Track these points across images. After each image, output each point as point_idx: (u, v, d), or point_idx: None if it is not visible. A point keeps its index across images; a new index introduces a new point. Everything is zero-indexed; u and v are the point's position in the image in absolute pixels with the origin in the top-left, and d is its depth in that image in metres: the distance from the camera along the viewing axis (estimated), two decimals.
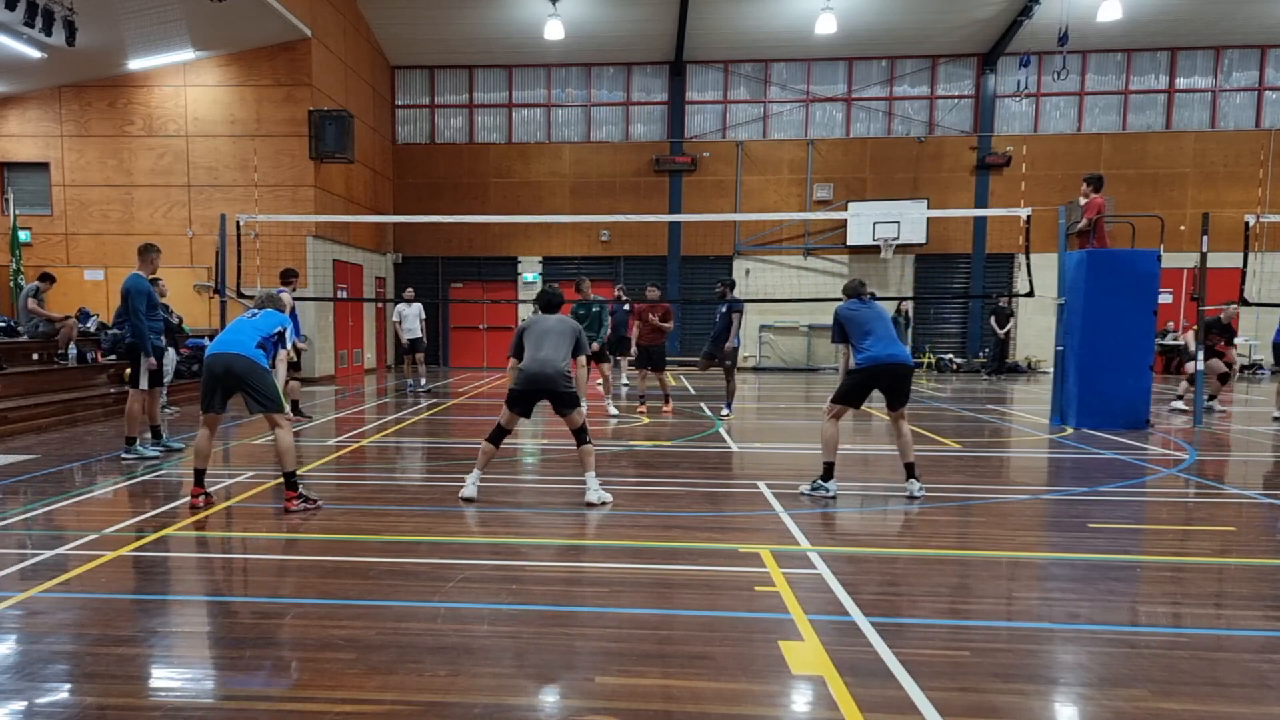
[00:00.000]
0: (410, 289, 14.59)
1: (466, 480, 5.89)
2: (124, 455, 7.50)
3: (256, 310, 5.88)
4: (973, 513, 5.67)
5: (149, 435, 7.89)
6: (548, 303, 6.13)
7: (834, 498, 5.91)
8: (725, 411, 10.86)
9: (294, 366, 10.00)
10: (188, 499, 5.64)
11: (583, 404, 5.96)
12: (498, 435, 5.93)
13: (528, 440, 8.90)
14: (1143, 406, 9.60)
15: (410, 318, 13.95)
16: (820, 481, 5.99)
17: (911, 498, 5.90)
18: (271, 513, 5.55)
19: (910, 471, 6.00)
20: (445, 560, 4.44)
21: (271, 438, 5.66)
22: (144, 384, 7.62)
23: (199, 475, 5.61)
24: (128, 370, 7.85)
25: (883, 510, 5.79)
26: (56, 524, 5.30)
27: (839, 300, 6.40)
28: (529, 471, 7.20)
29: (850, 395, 6.03)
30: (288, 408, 5.86)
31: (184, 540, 4.90)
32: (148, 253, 7.93)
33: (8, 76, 15.45)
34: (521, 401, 5.82)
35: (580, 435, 5.83)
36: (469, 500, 5.78)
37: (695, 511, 5.61)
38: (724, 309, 10.74)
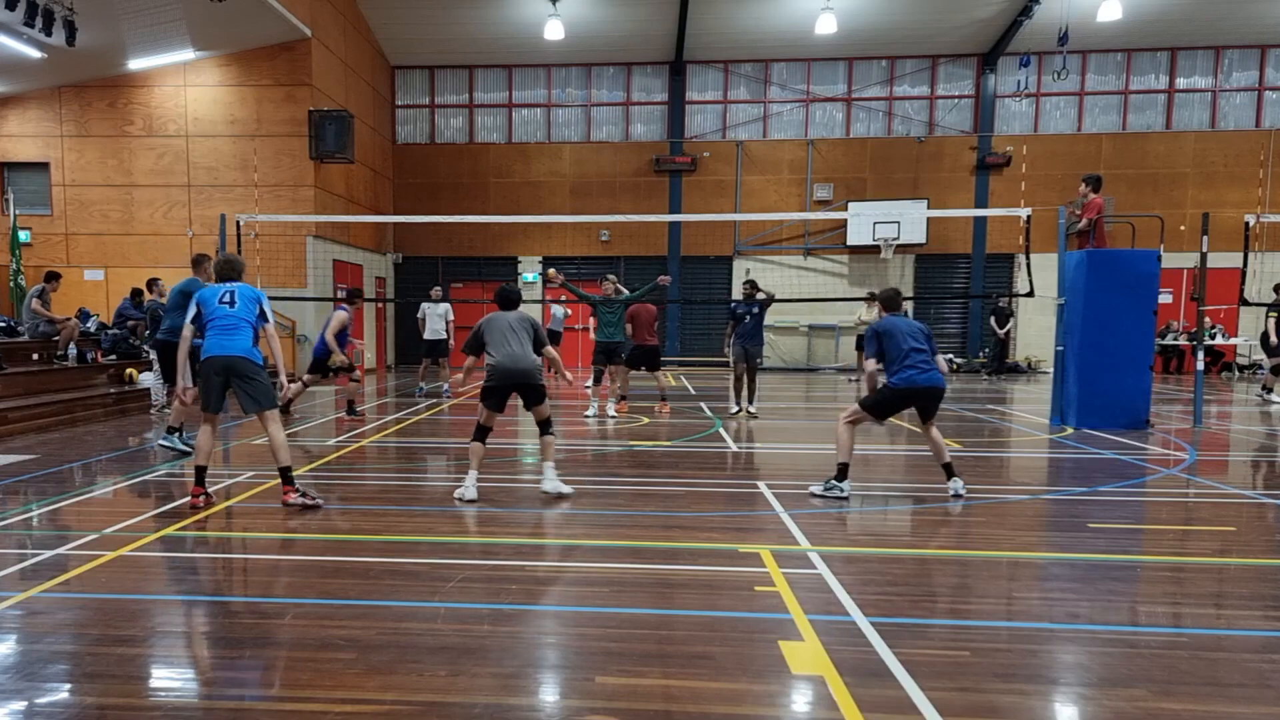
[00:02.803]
0: (437, 288, 13.96)
1: (464, 482, 5.88)
2: (162, 442, 7.67)
3: (230, 288, 5.76)
4: (973, 513, 5.67)
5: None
6: (506, 299, 6.28)
7: (847, 498, 5.90)
8: (751, 409, 10.85)
9: (349, 369, 10.12)
10: (188, 499, 5.64)
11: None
12: (481, 434, 6.03)
13: (528, 440, 8.89)
14: (1143, 406, 9.59)
15: (435, 318, 13.38)
16: (834, 481, 5.95)
17: (956, 496, 5.90)
18: (271, 512, 5.55)
19: (949, 472, 6.01)
20: (445, 560, 4.44)
21: (264, 442, 5.88)
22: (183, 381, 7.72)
23: (200, 474, 5.64)
24: (134, 370, 7.87)
25: (882, 510, 5.79)
26: (56, 524, 5.30)
27: (839, 300, 6.46)
28: (528, 472, 7.19)
29: (880, 409, 6.04)
30: (293, 397, 5.89)
31: (184, 540, 4.90)
32: (203, 262, 7.96)
33: (8, 76, 15.45)
34: (495, 396, 6.03)
35: (545, 426, 6.06)
36: (470, 501, 5.78)
37: (695, 511, 5.60)
38: (756, 309, 10.73)
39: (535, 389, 6.02)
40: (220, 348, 5.58)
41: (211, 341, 5.66)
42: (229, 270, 5.92)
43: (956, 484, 5.96)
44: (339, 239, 17.60)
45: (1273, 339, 12.77)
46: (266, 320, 5.81)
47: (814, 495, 5.98)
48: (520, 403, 6.20)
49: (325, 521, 5.34)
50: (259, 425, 5.74)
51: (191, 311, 5.80)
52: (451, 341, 13.58)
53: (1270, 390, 12.83)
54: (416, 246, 21.35)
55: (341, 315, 10.09)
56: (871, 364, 6.01)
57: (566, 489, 5.98)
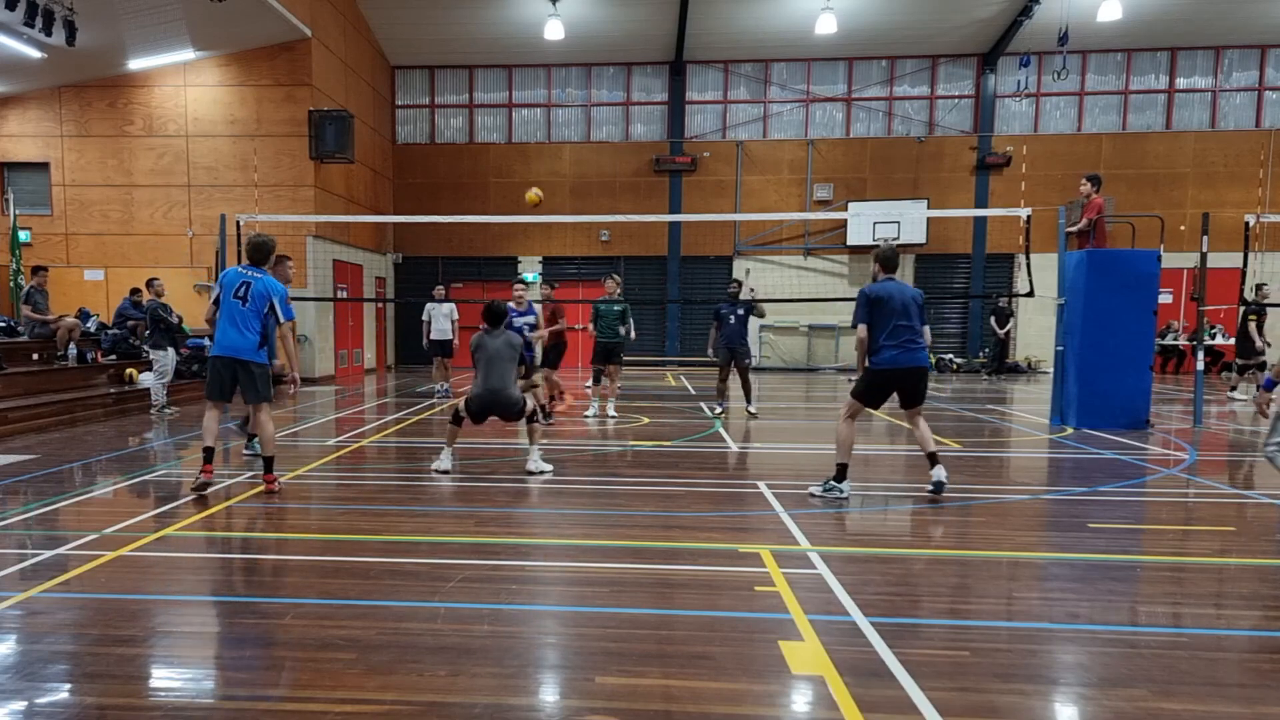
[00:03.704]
0: (440, 287, 13.76)
1: (440, 456, 6.78)
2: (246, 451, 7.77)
3: (248, 280, 5.92)
4: (973, 513, 5.67)
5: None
6: (491, 315, 6.78)
7: (847, 499, 5.85)
8: (751, 409, 10.75)
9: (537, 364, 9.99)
10: (188, 498, 5.66)
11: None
12: (457, 420, 6.84)
13: (527, 441, 8.88)
14: (1143, 406, 9.60)
15: (440, 318, 13.20)
16: (833, 482, 5.89)
17: (938, 484, 5.85)
18: (272, 512, 5.56)
19: (933, 460, 5.95)
20: (445, 560, 4.44)
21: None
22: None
23: (208, 454, 5.93)
24: (134, 370, 7.87)
25: (882, 510, 5.78)
26: (56, 524, 5.30)
27: (839, 300, 6.43)
28: (528, 472, 7.19)
29: (869, 395, 5.90)
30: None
31: (184, 540, 4.90)
32: (282, 262, 7.94)
33: (8, 76, 15.45)
34: (474, 415, 6.80)
35: (529, 418, 6.83)
36: (444, 472, 6.67)
37: (695, 511, 5.61)
38: (741, 311, 10.62)
39: (510, 413, 6.75)
40: (229, 348, 5.89)
41: (222, 336, 5.92)
42: (254, 253, 6.09)
43: (939, 471, 5.88)
44: (339, 239, 17.60)
45: (1258, 342, 12.89)
46: (279, 319, 6.02)
47: (813, 496, 5.95)
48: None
49: (325, 521, 5.35)
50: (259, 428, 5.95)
51: (215, 292, 6.05)
52: (456, 341, 13.40)
53: (1234, 388, 13.06)
54: (416, 246, 21.34)
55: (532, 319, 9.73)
56: (862, 330, 5.77)
57: (548, 467, 6.78)
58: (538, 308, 10.11)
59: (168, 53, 15.71)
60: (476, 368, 6.72)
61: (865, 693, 2.89)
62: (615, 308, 10.56)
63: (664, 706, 2.80)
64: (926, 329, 5.93)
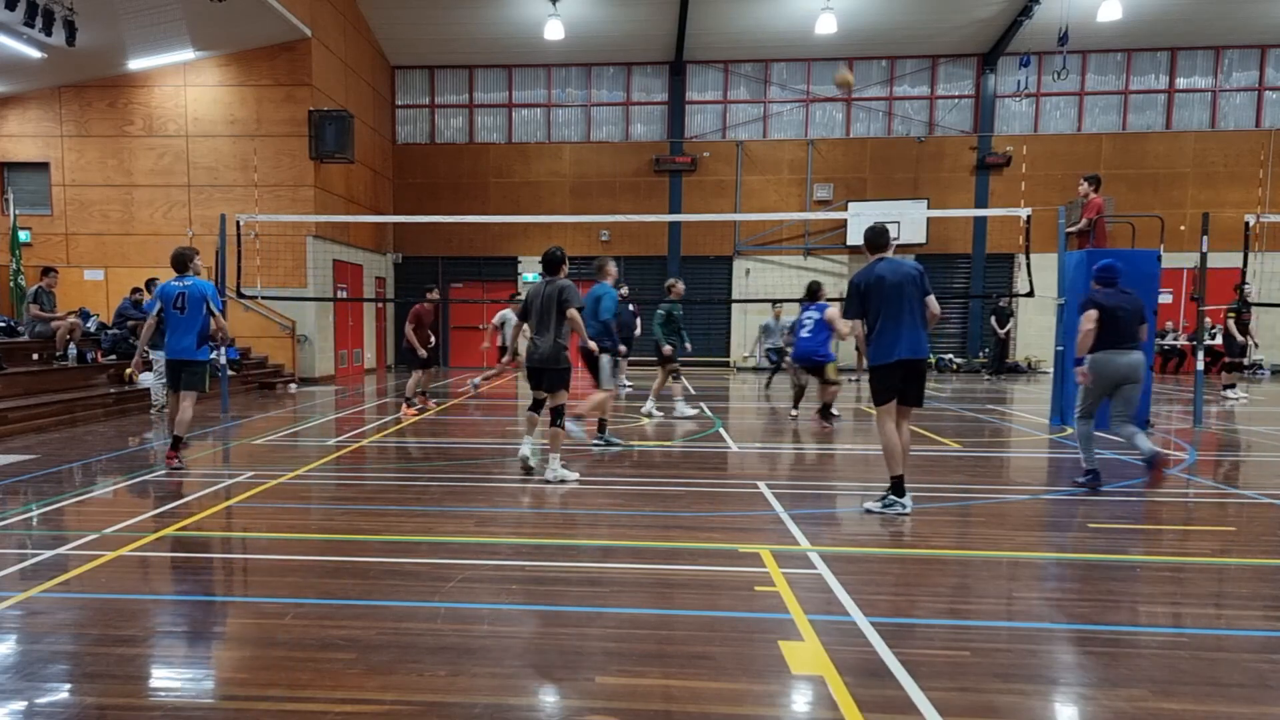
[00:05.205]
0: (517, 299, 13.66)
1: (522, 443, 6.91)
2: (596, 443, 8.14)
3: (182, 290, 6.89)
4: (973, 513, 5.67)
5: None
6: (547, 262, 6.62)
7: (909, 514, 5.45)
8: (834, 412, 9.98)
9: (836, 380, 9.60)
10: (188, 498, 5.65)
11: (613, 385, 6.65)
12: (535, 405, 6.83)
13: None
14: (1143, 407, 9.57)
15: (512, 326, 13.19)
16: (893, 496, 5.47)
17: (903, 512, 5.43)
18: (271, 512, 5.56)
19: (900, 485, 5.48)
20: (445, 560, 4.44)
21: (264, 442, 5.97)
22: (606, 381, 8.06)
23: (176, 442, 6.86)
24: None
25: (883, 510, 5.77)
26: (56, 524, 5.30)
27: (839, 300, 6.37)
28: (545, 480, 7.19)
29: (888, 395, 5.48)
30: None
31: (184, 540, 4.90)
32: (605, 265, 8.37)
33: (8, 76, 15.45)
34: (530, 378, 6.67)
35: (554, 416, 6.51)
36: (524, 459, 6.81)
37: (695, 511, 5.60)
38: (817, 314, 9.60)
39: (553, 374, 6.48)
40: (175, 350, 6.95)
41: (169, 342, 6.99)
42: (177, 264, 7.04)
43: (906, 500, 5.49)
44: (339, 239, 17.60)
45: (1238, 338, 13.04)
46: (213, 313, 7.02)
47: (870, 512, 5.51)
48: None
49: (325, 521, 5.35)
50: (260, 426, 6.07)
51: (156, 306, 7.07)
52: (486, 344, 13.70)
53: (1233, 386, 13.08)
54: (416, 246, 21.34)
55: (833, 311, 9.29)
56: (860, 327, 5.51)
57: (568, 476, 6.44)
58: (833, 309, 9.30)
59: (168, 53, 15.70)
60: (530, 320, 6.63)
61: (865, 693, 2.89)
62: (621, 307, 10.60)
63: (664, 706, 2.80)
64: (931, 298, 5.51)
